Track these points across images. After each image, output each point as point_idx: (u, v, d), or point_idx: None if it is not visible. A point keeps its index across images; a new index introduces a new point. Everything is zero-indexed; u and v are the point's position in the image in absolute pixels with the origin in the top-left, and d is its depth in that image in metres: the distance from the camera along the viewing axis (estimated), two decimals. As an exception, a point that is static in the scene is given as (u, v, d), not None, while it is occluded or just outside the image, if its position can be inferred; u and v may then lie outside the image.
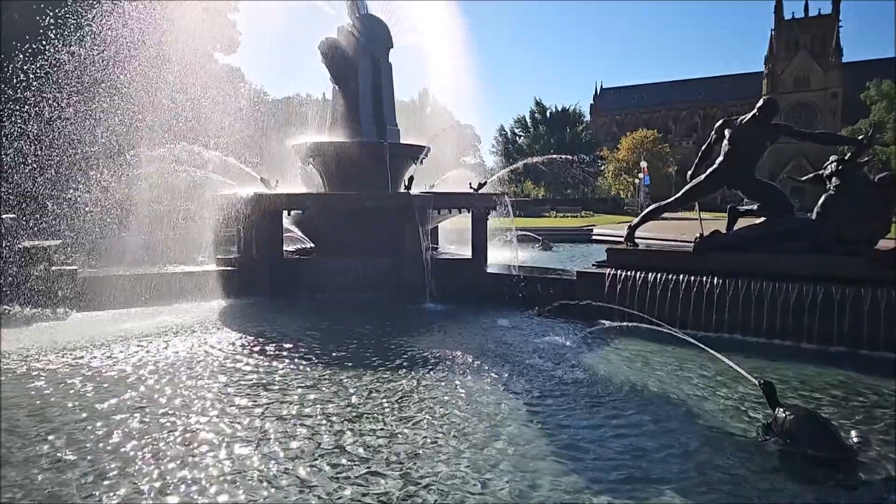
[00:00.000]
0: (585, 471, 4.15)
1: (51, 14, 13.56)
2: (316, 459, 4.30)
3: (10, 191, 12.86)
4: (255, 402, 5.47)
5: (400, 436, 4.72)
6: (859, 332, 7.20)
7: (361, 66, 12.86)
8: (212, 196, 11.41)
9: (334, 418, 5.06)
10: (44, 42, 13.40)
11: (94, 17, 13.33)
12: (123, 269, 10.87)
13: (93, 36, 13.32)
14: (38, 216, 11.69)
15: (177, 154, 11.57)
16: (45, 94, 12.60)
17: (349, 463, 4.24)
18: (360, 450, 4.45)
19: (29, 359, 6.79)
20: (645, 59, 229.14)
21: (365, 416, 5.13)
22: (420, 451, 4.44)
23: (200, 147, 12.34)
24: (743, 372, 5.53)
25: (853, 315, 7.24)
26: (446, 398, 5.61)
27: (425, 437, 4.72)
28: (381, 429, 4.86)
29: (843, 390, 5.89)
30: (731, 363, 5.75)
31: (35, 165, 13.16)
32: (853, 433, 4.63)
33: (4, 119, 13.35)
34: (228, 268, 11.19)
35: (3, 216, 10.10)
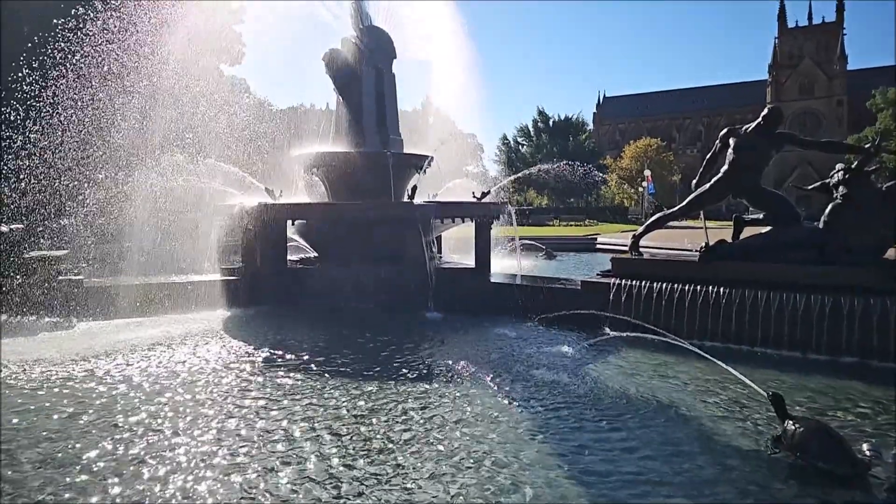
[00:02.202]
0: (594, 487, 4.08)
1: (60, 22, 13.71)
2: (315, 475, 4.24)
3: (16, 200, 12.93)
4: (254, 413, 5.42)
5: (403, 450, 4.66)
6: (869, 343, 7.11)
7: (365, 77, 12.92)
8: (216, 206, 11.44)
9: (336, 431, 5.00)
10: (51, 52, 13.52)
11: (102, 26, 13.47)
12: (128, 278, 10.89)
13: (101, 45, 13.45)
14: (45, 225, 11.74)
15: (182, 164, 11.64)
16: (52, 102, 12.70)
17: (350, 480, 4.17)
18: (362, 466, 4.38)
19: (32, 368, 6.78)
20: (648, 69, 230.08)
21: (367, 429, 5.07)
22: (425, 468, 4.37)
23: (206, 157, 12.41)
24: (751, 383, 5.46)
25: (862, 325, 7.15)
26: (450, 411, 5.55)
27: (429, 451, 4.65)
28: (386, 443, 4.79)
29: (854, 402, 5.80)
30: (738, 374, 5.68)
31: (42, 175, 13.25)
32: (865, 446, 4.55)
33: (8, 126, 13.46)
34: (232, 277, 11.20)
35: (11, 226, 10.16)
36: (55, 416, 5.31)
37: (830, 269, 7.70)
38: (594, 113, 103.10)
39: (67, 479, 4.12)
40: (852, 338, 7.21)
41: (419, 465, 4.40)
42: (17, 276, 9.37)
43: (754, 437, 4.91)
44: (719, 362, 6.02)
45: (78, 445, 4.67)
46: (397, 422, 5.24)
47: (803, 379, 6.52)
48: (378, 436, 4.91)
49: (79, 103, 12.84)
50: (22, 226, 11.08)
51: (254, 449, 4.64)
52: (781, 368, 6.92)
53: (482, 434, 4.95)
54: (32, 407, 5.55)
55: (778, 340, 7.63)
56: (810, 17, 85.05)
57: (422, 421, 5.27)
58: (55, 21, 13.75)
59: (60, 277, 9.91)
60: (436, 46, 15.03)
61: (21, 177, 12.48)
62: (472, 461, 4.46)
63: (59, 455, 4.50)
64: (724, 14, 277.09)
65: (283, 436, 4.91)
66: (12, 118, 13.38)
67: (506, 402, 5.75)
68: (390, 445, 4.73)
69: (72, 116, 12.80)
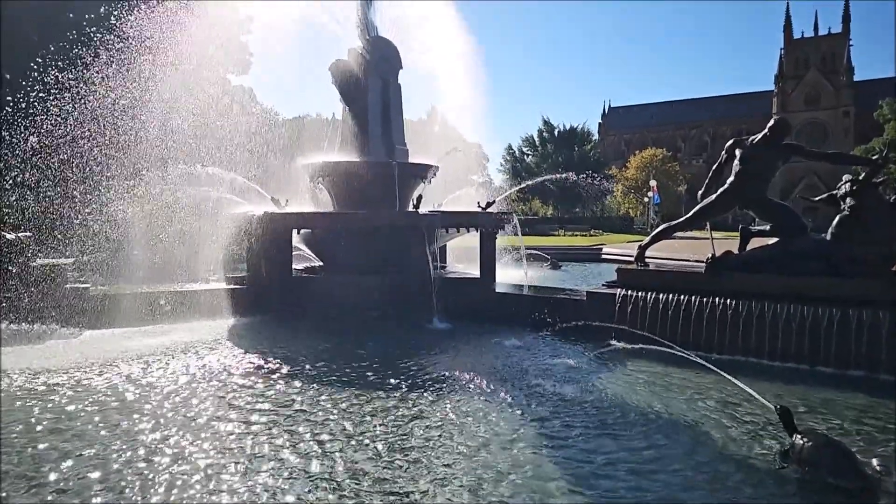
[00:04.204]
0: (599, 501, 4.03)
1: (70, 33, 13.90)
2: (312, 485, 4.21)
3: (26, 208, 13.05)
4: (255, 423, 5.41)
5: (406, 463, 4.62)
6: (878, 356, 7.03)
7: (371, 87, 13.00)
8: (222, 214, 11.50)
9: (338, 442, 4.97)
10: (60, 60, 13.69)
11: (112, 36, 13.65)
12: (134, 286, 10.93)
13: (110, 57, 13.61)
14: (52, 233, 11.82)
15: (189, 173, 11.71)
16: (61, 112, 12.84)
17: (350, 493, 4.13)
18: (361, 478, 4.34)
19: (37, 376, 6.79)
20: (653, 79, 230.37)
21: (371, 440, 5.04)
22: (427, 478, 4.33)
23: (212, 166, 12.49)
24: (758, 396, 5.40)
25: (871, 338, 7.07)
26: (453, 422, 5.51)
27: (432, 462, 4.61)
28: (389, 453, 4.76)
29: (863, 416, 5.73)
30: (745, 387, 5.62)
31: (51, 183, 13.38)
32: (874, 461, 4.50)
33: (17, 135, 13.59)
34: (238, 286, 11.23)
35: (19, 234, 10.23)
36: (57, 426, 5.31)
37: (838, 281, 7.64)
38: (599, 123, 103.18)
39: (65, 489, 4.11)
40: (860, 351, 7.13)
41: (421, 481, 4.35)
42: (24, 284, 9.40)
43: (762, 451, 4.84)
44: (726, 375, 5.96)
45: (77, 454, 4.66)
46: (399, 433, 5.20)
47: (811, 392, 6.45)
48: (379, 448, 4.88)
49: (87, 111, 12.97)
50: (30, 233, 11.14)
51: (252, 458, 4.62)
52: (789, 381, 6.85)
53: (485, 447, 4.91)
54: (35, 416, 5.55)
55: (785, 353, 7.56)
56: (816, 29, 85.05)
57: (424, 433, 5.23)
58: (67, 22, 13.89)
59: (67, 285, 9.96)
60: (442, 56, 15.13)
61: (29, 184, 12.60)
62: (475, 474, 4.42)
63: (58, 463, 4.49)
64: (730, 25, 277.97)
65: (283, 446, 4.87)
66: (20, 126, 13.51)
67: (511, 414, 5.71)
68: (392, 458, 4.69)
69: (80, 124, 12.93)
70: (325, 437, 5.09)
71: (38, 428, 5.24)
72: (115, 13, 13.88)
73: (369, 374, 7.07)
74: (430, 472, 4.44)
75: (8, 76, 17.56)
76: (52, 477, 4.29)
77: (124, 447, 4.80)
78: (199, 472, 4.37)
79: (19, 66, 17.19)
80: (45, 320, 9.17)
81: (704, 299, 8.14)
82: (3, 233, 9.86)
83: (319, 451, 4.79)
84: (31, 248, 10.09)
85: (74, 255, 11.37)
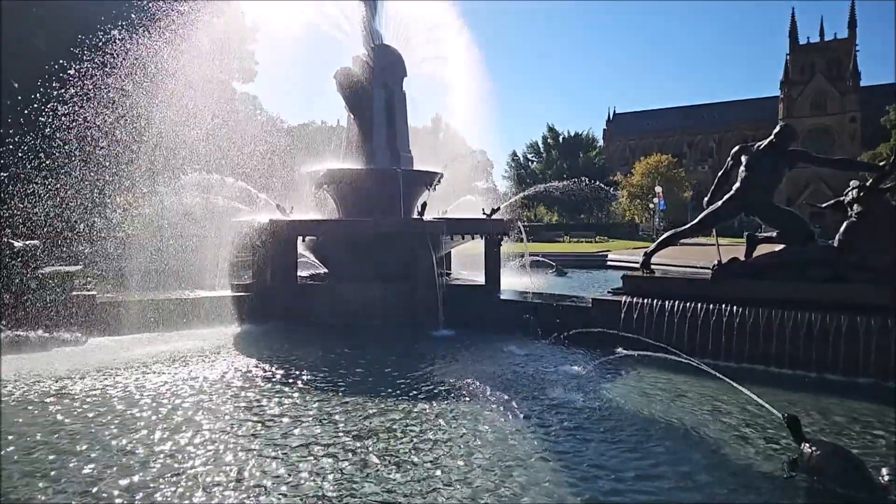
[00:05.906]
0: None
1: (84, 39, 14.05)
2: (313, 495, 4.18)
3: (32, 217, 13.13)
4: (256, 432, 5.40)
5: (409, 471, 4.60)
6: (887, 364, 6.95)
7: (375, 95, 13.06)
8: (227, 222, 11.54)
9: (342, 452, 4.95)
10: (66, 68, 13.83)
11: (116, 46, 13.80)
12: (140, 293, 10.96)
13: (114, 65, 13.74)
14: (58, 242, 11.90)
15: (194, 181, 11.78)
16: (67, 120, 12.97)
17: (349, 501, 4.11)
18: (362, 487, 4.32)
19: (38, 384, 6.81)
20: (658, 85, 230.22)
21: (376, 451, 5.01)
22: (432, 490, 4.30)
23: (217, 174, 12.56)
24: (765, 404, 5.34)
25: (879, 345, 7.01)
26: (458, 431, 5.48)
27: (436, 473, 4.58)
28: (390, 464, 4.73)
29: (872, 424, 5.66)
30: (752, 395, 5.57)
31: (57, 191, 13.48)
32: (884, 470, 4.43)
33: (23, 144, 13.72)
34: (243, 293, 11.24)
35: (27, 242, 10.30)
36: (58, 433, 5.31)
37: (845, 288, 7.58)
38: (604, 129, 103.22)
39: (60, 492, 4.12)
40: (869, 358, 7.06)
41: (431, 496, 4.30)
42: (31, 292, 9.45)
43: (770, 460, 4.79)
44: (733, 382, 5.91)
45: (73, 460, 4.67)
46: (402, 442, 5.17)
47: (819, 400, 6.38)
48: (381, 456, 4.85)
49: (94, 120, 13.10)
50: (37, 242, 11.22)
51: (254, 466, 4.61)
52: (797, 389, 6.78)
53: (490, 456, 4.87)
54: (33, 423, 5.56)
55: (793, 360, 7.50)
56: (822, 34, 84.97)
57: (429, 440, 5.21)
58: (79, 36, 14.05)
59: (74, 293, 10.01)
60: (446, 63, 15.17)
61: (37, 192, 12.70)
62: (470, 481, 4.39)
63: (56, 473, 4.49)
64: (736, 30, 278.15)
65: (277, 454, 4.85)
66: (27, 137, 13.64)
67: (515, 422, 5.68)
68: (394, 467, 4.66)
69: (87, 133, 13.05)
70: (325, 443, 5.06)
71: (36, 435, 5.22)
72: (122, 24, 14.03)
73: (374, 382, 7.05)
74: (443, 484, 4.40)
75: (16, 84, 17.74)
76: (47, 480, 4.29)
77: (120, 453, 4.80)
78: (196, 479, 4.36)
79: (25, 74, 17.37)
80: (51, 328, 9.20)
81: (711, 306, 8.09)
82: (10, 241, 9.93)
83: (315, 459, 4.75)
84: (38, 256, 10.16)
85: (82, 261, 11.44)
